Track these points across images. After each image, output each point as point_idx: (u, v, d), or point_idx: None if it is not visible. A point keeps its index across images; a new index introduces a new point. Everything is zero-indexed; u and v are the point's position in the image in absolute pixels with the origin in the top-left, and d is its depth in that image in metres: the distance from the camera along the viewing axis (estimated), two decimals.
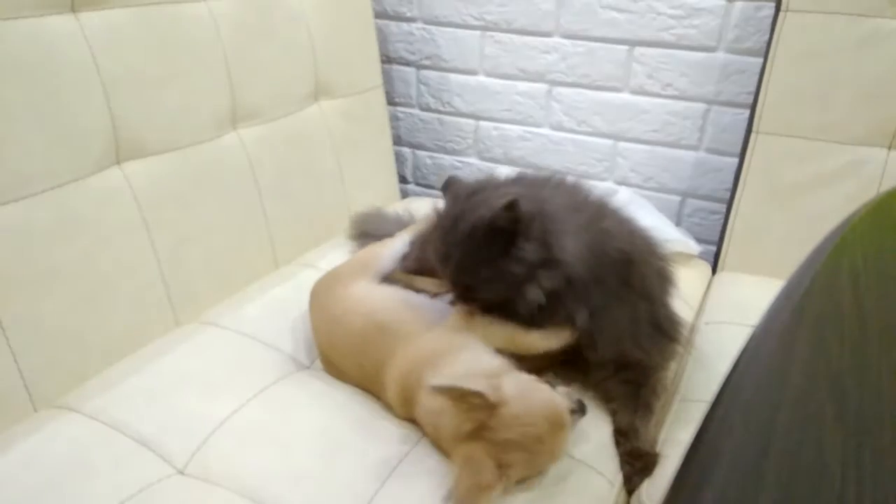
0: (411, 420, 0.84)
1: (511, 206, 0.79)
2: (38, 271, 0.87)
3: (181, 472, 0.79)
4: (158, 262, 1.01)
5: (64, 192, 0.90)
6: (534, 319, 0.84)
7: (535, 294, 0.82)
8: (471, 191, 0.87)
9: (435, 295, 0.98)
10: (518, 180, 0.94)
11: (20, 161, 0.86)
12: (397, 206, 1.42)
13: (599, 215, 0.89)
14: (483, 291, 0.84)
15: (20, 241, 0.85)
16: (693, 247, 1.34)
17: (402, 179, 1.72)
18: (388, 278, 1.03)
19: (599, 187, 1.47)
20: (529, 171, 0.98)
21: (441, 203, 0.90)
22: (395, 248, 1.05)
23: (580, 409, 0.81)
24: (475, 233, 0.81)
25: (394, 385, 0.84)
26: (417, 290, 1.00)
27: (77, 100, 0.92)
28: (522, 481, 0.76)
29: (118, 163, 0.98)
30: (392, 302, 0.93)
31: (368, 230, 1.24)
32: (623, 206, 0.96)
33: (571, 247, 0.82)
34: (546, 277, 0.82)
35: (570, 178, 0.98)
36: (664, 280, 0.92)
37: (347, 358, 0.92)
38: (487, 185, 0.88)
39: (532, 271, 0.81)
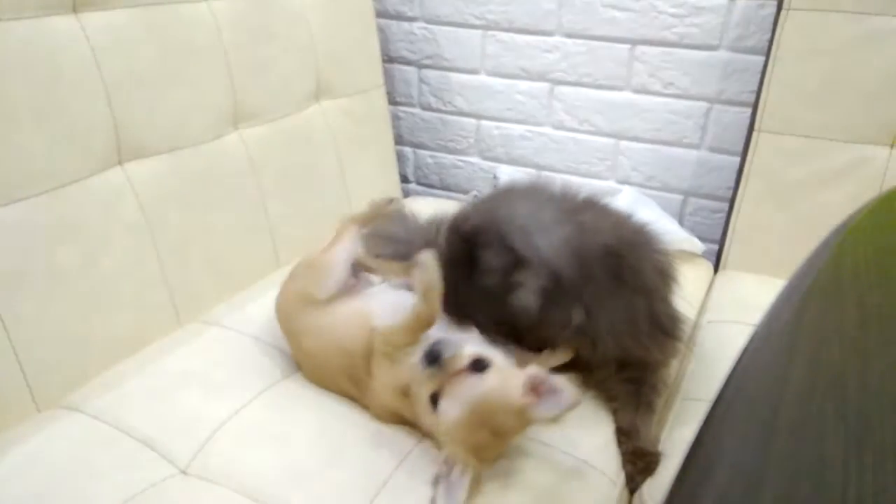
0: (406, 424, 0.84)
1: (454, 229, 0.79)
2: (40, 271, 0.87)
3: (184, 472, 0.79)
4: (160, 262, 1.02)
5: (66, 193, 0.90)
6: (533, 325, 0.84)
7: (524, 299, 0.82)
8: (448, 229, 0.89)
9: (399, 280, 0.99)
10: (485, 197, 0.93)
11: (22, 161, 0.86)
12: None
13: (577, 209, 0.88)
14: (477, 315, 0.83)
15: (23, 242, 0.86)
16: (698, 245, 1.34)
17: (404, 179, 1.72)
18: (359, 263, 1.00)
19: (600, 186, 1.48)
20: (506, 182, 0.99)
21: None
22: (340, 260, 0.96)
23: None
24: (443, 265, 0.82)
25: (381, 406, 0.85)
26: (385, 276, 1.00)
27: (79, 100, 0.92)
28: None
29: (120, 163, 0.98)
30: (345, 322, 0.89)
31: (373, 230, 1.24)
32: (612, 202, 0.95)
33: (545, 243, 0.81)
34: (527, 277, 0.81)
35: (547, 179, 0.97)
36: (663, 275, 0.90)
37: (332, 384, 0.91)
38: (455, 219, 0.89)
39: (507, 278, 0.81)
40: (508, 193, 0.93)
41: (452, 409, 0.72)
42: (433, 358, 0.73)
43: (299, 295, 0.93)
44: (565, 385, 0.73)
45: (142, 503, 0.74)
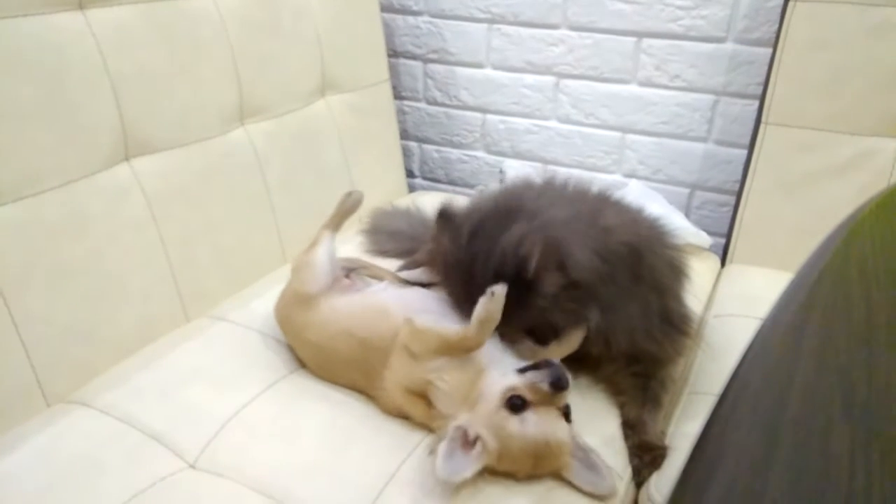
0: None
1: (543, 258, 0.78)
2: (49, 267, 0.88)
3: (192, 466, 0.79)
4: (168, 258, 1.02)
5: (74, 189, 0.91)
6: (548, 324, 0.84)
7: (561, 319, 0.83)
8: (472, 229, 0.85)
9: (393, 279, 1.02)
10: (514, 205, 0.88)
11: (30, 158, 0.86)
12: (405, 200, 1.43)
13: (597, 213, 0.87)
14: (514, 326, 0.83)
15: (31, 238, 0.86)
16: (705, 239, 1.33)
17: (409, 174, 1.72)
18: (351, 266, 1.04)
19: (606, 180, 1.48)
20: (516, 182, 0.97)
21: (437, 230, 0.90)
22: (320, 255, 0.98)
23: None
24: (502, 281, 0.80)
25: (398, 391, 0.85)
26: (376, 277, 1.04)
27: (86, 97, 0.92)
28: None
29: (127, 159, 0.99)
30: (362, 313, 0.91)
31: (379, 226, 1.25)
32: (623, 197, 0.95)
33: (579, 256, 0.81)
34: (568, 299, 0.81)
35: (560, 177, 0.96)
36: (676, 271, 0.91)
37: (340, 376, 0.91)
38: (486, 222, 0.85)
39: (556, 298, 0.81)
40: (553, 196, 0.91)
41: (531, 427, 0.74)
42: (560, 386, 0.75)
43: (293, 296, 0.96)
44: (608, 472, 0.77)
45: (150, 497, 0.74)
